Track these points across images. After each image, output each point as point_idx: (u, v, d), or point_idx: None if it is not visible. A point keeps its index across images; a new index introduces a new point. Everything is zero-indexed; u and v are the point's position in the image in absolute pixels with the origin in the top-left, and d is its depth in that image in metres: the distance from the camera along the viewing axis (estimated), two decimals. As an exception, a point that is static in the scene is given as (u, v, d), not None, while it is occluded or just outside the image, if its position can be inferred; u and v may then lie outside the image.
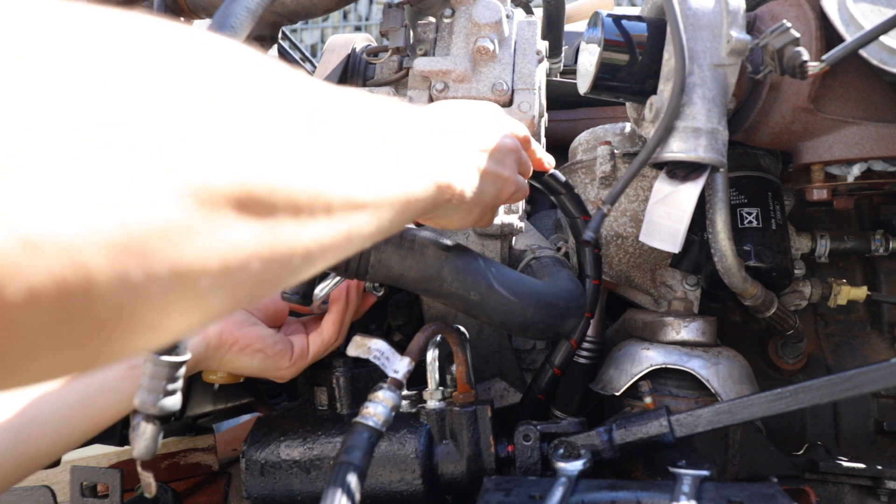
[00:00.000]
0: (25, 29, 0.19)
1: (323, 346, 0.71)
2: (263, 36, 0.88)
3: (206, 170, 0.22)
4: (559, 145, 1.01)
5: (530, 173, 0.65)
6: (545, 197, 1.04)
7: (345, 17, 4.35)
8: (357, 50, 0.97)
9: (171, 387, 0.48)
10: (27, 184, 0.18)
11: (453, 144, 0.48)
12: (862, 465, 0.81)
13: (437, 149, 0.44)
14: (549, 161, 0.69)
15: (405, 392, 0.60)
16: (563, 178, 0.75)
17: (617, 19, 0.73)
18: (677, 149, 0.66)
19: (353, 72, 0.95)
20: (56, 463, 0.77)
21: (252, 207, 0.24)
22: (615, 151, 0.87)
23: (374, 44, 1.01)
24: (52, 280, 0.18)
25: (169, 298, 0.22)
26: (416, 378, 0.65)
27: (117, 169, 0.20)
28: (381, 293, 0.76)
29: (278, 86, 0.28)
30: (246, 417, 1.14)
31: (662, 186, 0.72)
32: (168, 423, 0.52)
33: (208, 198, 0.22)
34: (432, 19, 0.86)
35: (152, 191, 0.20)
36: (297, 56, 1.19)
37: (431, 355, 0.67)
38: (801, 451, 0.89)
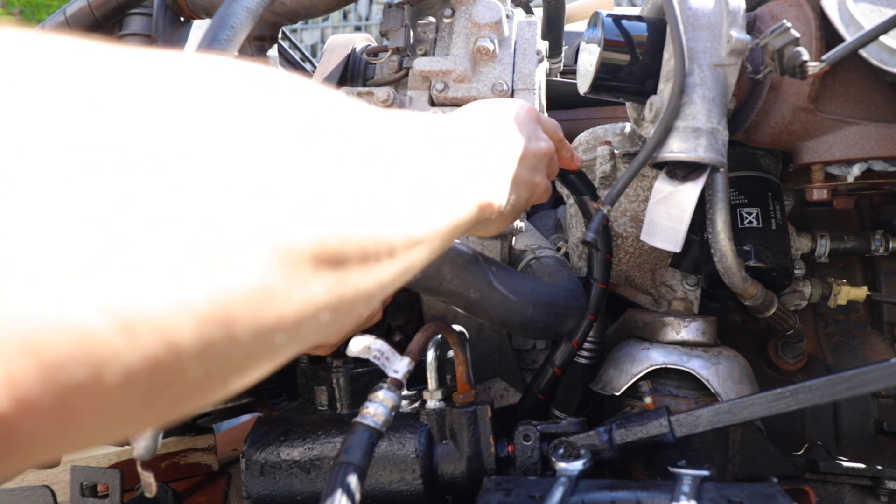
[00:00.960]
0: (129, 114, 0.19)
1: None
2: (263, 36, 0.88)
3: (290, 228, 0.22)
4: (559, 145, 1.01)
5: (556, 173, 0.64)
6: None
7: (345, 17, 4.35)
8: (357, 50, 0.97)
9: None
10: (121, 260, 0.17)
11: (491, 157, 0.47)
12: (862, 465, 0.81)
13: (478, 167, 0.43)
14: (578, 161, 0.69)
15: (405, 392, 0.60)
16: (589, 178, 0.75)
17: (617, 19, 0.73)
18: (677, 149, 0.66)
19: (353, 72, 0.95)
20: (56, 463, 0.77)
21: (326, 261, 0.24)
22: (615, 151, 0.87)
23: (374, 44, 1.01)
24: (147, 360, 0.18)
25: (247, 358, 0.22)
26: (417, 378, 0.65)
27: (205, 237, 0.19)
28: None
29: (340, 126, 0.27)
30: (246, 417, 1.14)
31: (662, 186, 0.72)
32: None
33: (290, 257, 0.22)
34: (432, 19, 0.86)
35: (239, 256, 0.20)
36: (297, 56, 1.19)
37: (431, 355, 0.67)
38: (801, 451, 0.89)
